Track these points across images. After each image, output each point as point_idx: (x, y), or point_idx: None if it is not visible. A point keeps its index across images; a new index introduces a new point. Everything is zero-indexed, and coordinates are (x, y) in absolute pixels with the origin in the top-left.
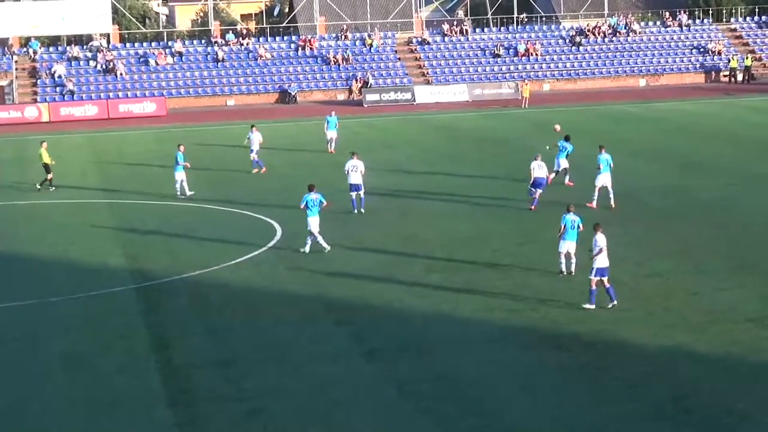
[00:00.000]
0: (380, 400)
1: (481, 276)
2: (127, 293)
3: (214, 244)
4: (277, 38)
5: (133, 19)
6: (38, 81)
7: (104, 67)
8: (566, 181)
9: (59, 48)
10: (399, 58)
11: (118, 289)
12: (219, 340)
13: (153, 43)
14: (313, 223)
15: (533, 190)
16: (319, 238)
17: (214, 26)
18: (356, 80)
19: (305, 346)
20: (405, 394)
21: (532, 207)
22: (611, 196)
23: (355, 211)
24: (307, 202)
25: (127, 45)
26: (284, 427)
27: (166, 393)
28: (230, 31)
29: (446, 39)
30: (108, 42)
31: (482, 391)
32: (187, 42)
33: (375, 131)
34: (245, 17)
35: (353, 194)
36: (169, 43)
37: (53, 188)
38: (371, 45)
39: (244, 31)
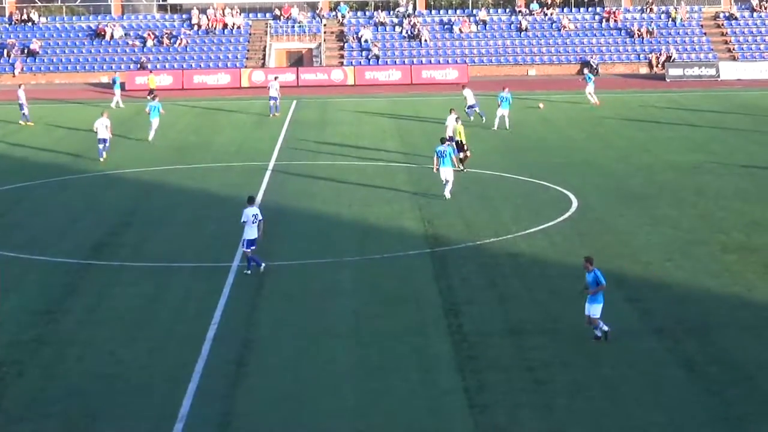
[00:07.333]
0: (666, 379)
1: None
2: (422, 257)
3: (508, 213)
4: (581, 9)
5: None
6: (345, 45)
7: (409, 33)
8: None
9: (366, 13)
10: (705, 33)
11: (412, 253)
12: (507, 308)
13: (458, 11)
14: (445, 172)
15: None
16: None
17: None
18: (658, 54)
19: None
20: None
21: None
22: None
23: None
24: (438, 153)
25: (433, 12)
26: (567, 399)
27: (455, 358)
28: (535, 1)
29: (755, 15)
30: (414, 8)
31: None
32: (491, 11)
33: (677, 107)
34: None
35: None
36: (474, 12)
37: (464, 170)
38: (675, 19)
39: (549, 1)
